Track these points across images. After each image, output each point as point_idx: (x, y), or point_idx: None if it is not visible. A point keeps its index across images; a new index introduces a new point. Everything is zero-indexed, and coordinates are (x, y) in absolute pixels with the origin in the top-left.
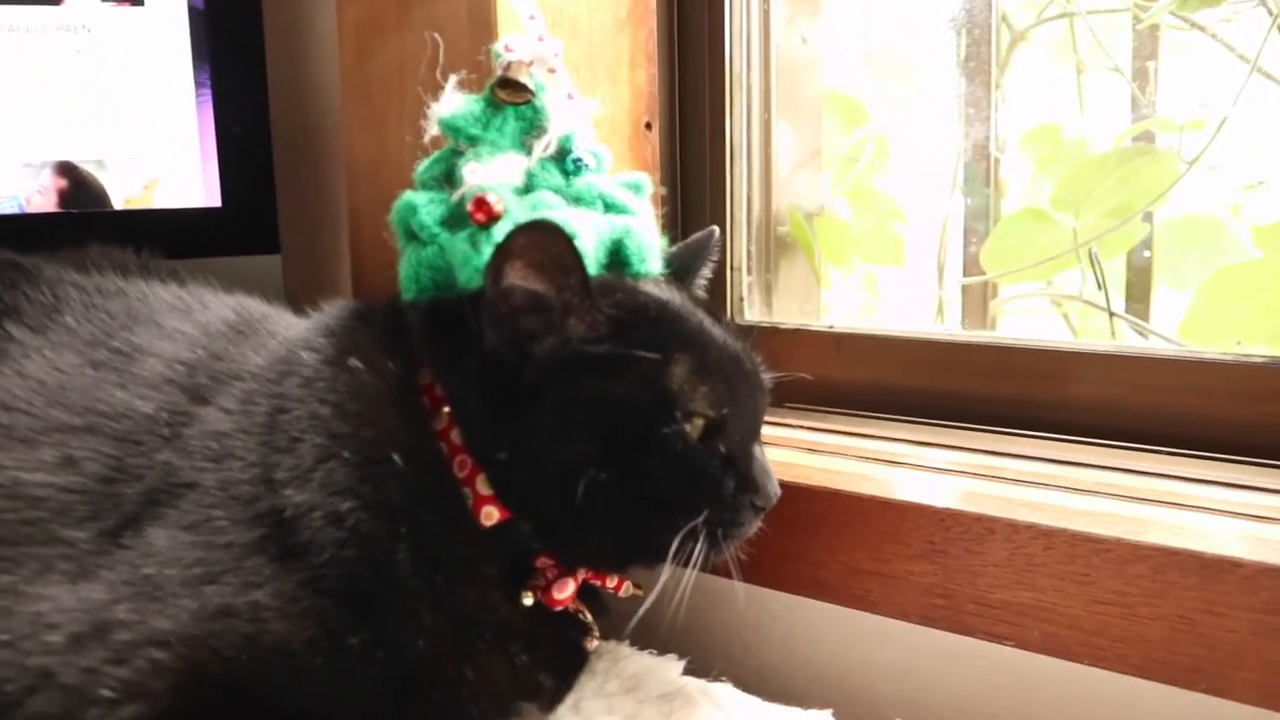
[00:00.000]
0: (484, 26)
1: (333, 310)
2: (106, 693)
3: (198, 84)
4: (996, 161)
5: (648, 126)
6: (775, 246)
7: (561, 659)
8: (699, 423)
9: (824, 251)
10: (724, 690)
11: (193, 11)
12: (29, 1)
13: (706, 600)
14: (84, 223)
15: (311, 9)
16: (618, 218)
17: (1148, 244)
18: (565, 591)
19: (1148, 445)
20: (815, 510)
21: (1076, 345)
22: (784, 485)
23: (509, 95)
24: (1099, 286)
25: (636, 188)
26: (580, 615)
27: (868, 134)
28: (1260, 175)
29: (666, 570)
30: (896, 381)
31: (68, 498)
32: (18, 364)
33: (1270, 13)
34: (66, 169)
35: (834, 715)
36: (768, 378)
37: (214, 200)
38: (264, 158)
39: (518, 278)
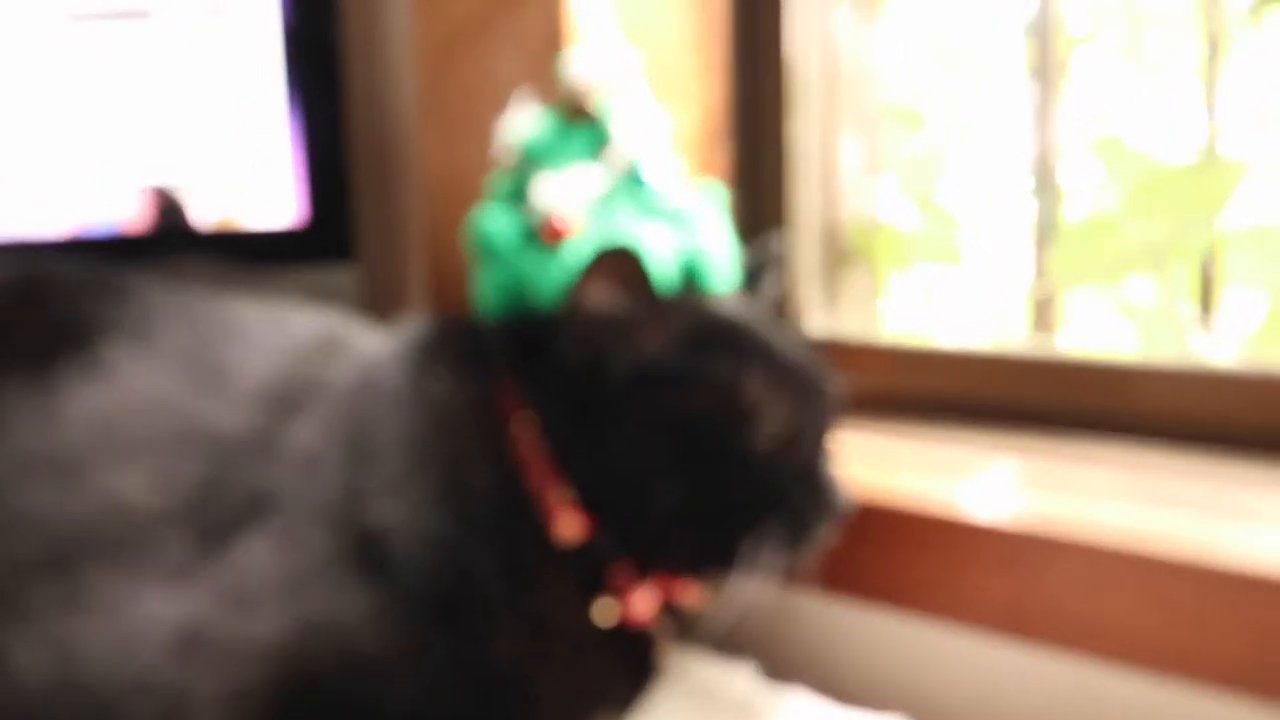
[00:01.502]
0: (558, 47)
1: (413, 328)
2: (204, 702)
3: (289, 112)
4: (1056, 170)
5: (719, 139)
6: (838, 256)
7: (634, 668)
8: (771, 435)
9: (887, 260)
10: (796, 696)
11: (286, 32)
12: (121, 16)
13: (778, 610)
14: (175, 242)
15: (388, 31)
16: (689, 234)
17: (1214, 253)
18: (645, 609)
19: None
20: (885, 523)
21: (1146, 361)
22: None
23: (577, 115)
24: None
25: (707, 200)
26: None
27: (927, 142)
28: None
29: (739, 578)
30: (960, 392)
31: (165, 511)
32: (113, 381)
33: None
34: (160, 191)
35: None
36: (837, 389)
37: (297, 216)
38: (342, 175)
39: (596, 299)
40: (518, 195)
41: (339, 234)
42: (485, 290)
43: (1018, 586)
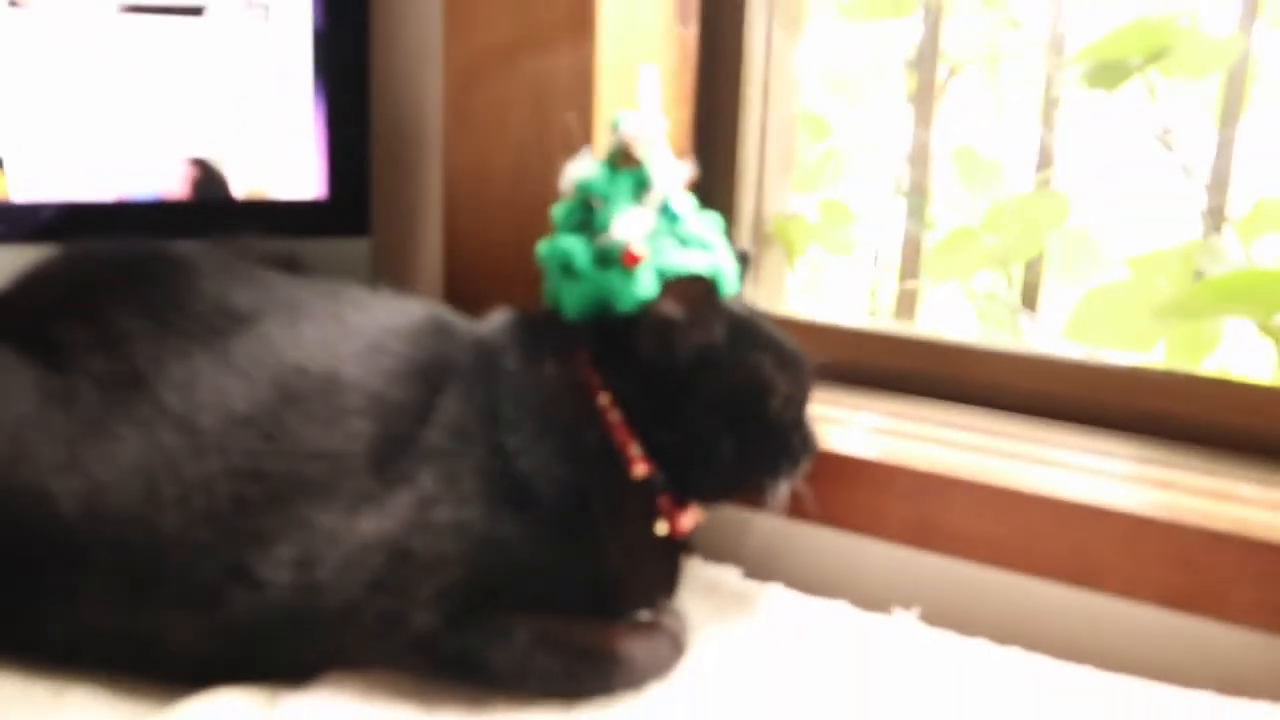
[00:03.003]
0: (584, 80)
1: (507, 318)
2: (414, 604)
3: (315, 93)
4: (927, 175)
5: (685, 149)
6: (760, 241)
7: (674, 568)
8: (780, 402)
9: (794, 247)
10: (776, 588)
11: (316, 33)
12: (174, 11)
13: (752, 529)
14: (211, 209)
15: (418, 44)
16: (709, 254)
17: (1040, 261)
18: (689, 522)
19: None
20: (832, 467)
21: (984, 342)
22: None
23: (624, 162)
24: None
25: (714, 225)
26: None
27: (829, 147)
28: (1131, 209)
29: (751, 503)
30: (840, 360)
31: (353, 458)
32: (283, 353)
33: (1152, 95)
34: (198, 162)
35: (850, 603)
36: (811, 363)
37: (320, 191)
38: (363, 156)
39: (669, 309)
40: (582, 225)
41: (358, 211)
42: (567, 300)
43: (916, 510)
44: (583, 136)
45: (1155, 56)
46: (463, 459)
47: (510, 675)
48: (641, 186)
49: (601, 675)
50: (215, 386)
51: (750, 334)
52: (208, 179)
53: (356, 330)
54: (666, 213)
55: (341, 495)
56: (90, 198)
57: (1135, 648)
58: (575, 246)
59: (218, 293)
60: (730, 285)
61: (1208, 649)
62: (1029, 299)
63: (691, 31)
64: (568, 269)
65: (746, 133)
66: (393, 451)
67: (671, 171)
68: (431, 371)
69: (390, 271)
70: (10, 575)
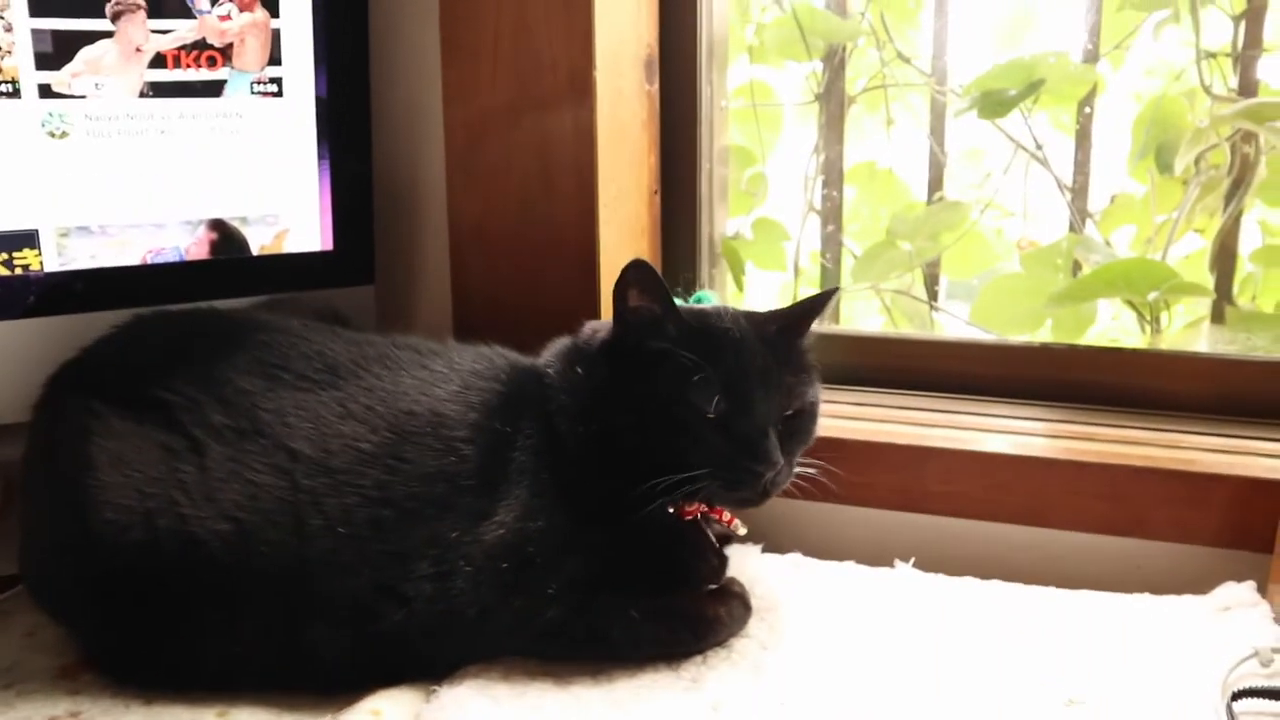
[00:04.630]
0: (586, 136)
1: (554, 349)
2: (544, 601)
3: (320, 156)
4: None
5: (655, 192)
6: (712, 260)
7: (719, 549)
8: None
9: (736, 265)
10: (795, 556)
11: (319, 101)
12: (197, 95)
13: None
14: (230, 267)
15: (413, 103)
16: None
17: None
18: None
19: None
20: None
21: (899, 333)
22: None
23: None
24: (925, 287)
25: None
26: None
27: (756, 173)
28: (1014, 210)
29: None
30: None
31: (469, 479)
32: (392, 398)
33: (1024, 115)
34: (217, 224)
35: (855, 561)
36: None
37: (328, 245)
38: (367, 212)
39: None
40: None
41: (363, 261)
42: None
43: (900, 479)
44: (586, 188)
45: (1031, 88)
46: (545, 474)
47: (629, 645)
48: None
49: (698, 635)
50: (339, 432)
51: (709, 336)
52: (226, 239)
53: (443, 375)
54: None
55: (461, 511)
56: (119, 262)
57: (1082, 569)
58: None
59: (314, 350)
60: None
61: (1137, 562)
62: (930, 294)
63: (655, 88)
64: None
65: (699, 167)
66: (495, 472)
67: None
68: (513, 402)
69: (395, 317)
70: (169, 617)
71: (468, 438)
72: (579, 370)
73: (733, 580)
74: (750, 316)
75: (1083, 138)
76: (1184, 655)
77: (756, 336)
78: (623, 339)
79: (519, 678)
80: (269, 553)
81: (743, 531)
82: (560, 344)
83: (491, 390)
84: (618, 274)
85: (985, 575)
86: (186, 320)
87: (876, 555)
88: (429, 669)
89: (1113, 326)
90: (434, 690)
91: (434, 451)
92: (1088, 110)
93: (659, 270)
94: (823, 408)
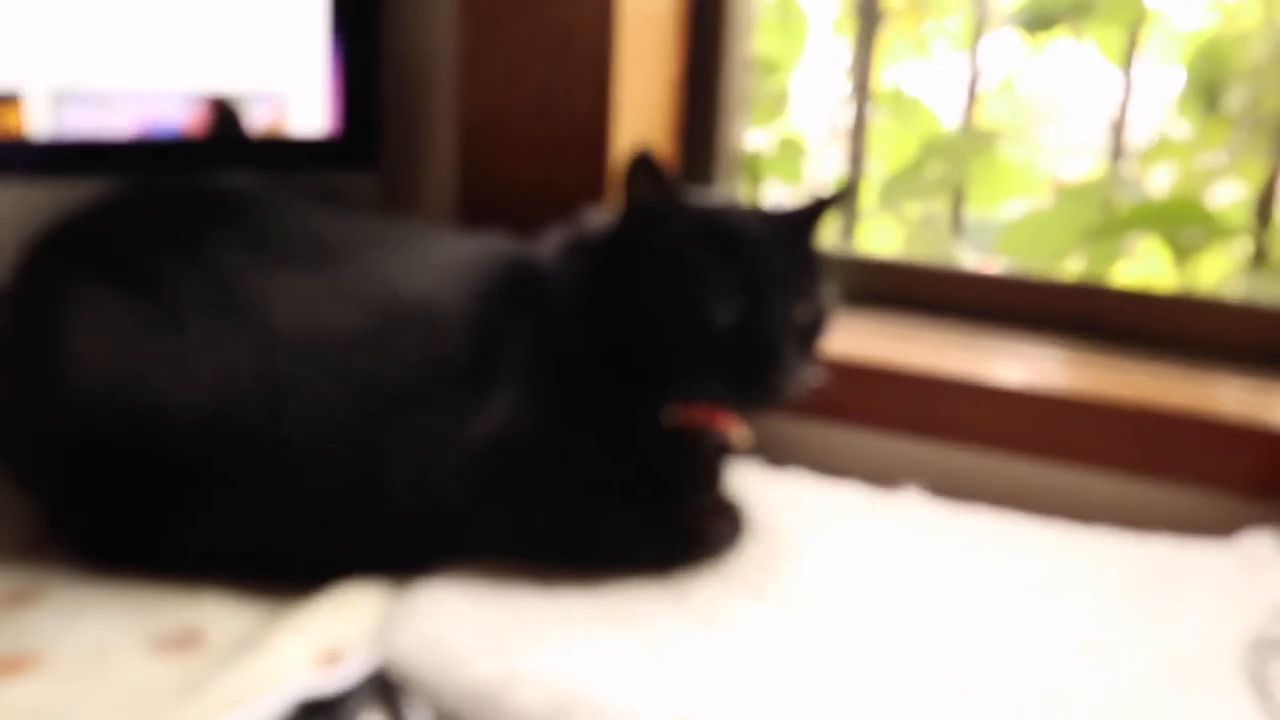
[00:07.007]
0: (604, 23)
1: (558, 238)
2: (534, 504)
3: (329, 31)
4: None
5: (677, 94)
6: (730, 170)
7: (717, 461)
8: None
9: (753, 176)
10: (799, 473)
11: None
12: None
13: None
14: (227, 145)
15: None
16: None
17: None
18: (699, 416)
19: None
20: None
21: (918, 260)
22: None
23: None
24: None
25: None
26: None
27: (781, 86)
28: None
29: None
30: None
31: (459, 370)
32: (385, 281)
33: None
34: (215, 99)
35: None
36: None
37: (332, 128)
38: (374, 96)
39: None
40: None
41: (367, 146)
42: None
43: (914, 405)
44: (605, 80)
45: (1080, 6)
46: (538, 371)
47: (617, 554)
48: None
49: (692, 548)
50: (326, 313)
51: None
52: (224, 117)
53: (440, 261)
54: None
55: (447, 404)
56: (108, 135)
57: (1099, 508)
58: None
59: (308, 227)
60: None
61: (1157, 504)
62: (955, 223)
63: None
64: None
65: (723, 72)
66: (484, 364)
67: None
68: (509, 294)
69: (399, 207)
70: (143, 491)
71: (458, 327)
72: (579, 263)
73: (730, 495)
74: (761, 213)
75: (1128, 69)
76: (1205, 603)
77: (769, 235)
78: (628, 232)
79: (501, 578)
80: (244, 435)
81: (745, 439)
82: (557, 233)
83: (488, 280)
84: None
85: (997, 507)
86: (174, 190)
87: (884, 480)
88: (409, 568)
89: (1144, 269)
90: (406, 583)
91: (422, 339)
92: (1134, 42)
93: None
94: (838, 328)
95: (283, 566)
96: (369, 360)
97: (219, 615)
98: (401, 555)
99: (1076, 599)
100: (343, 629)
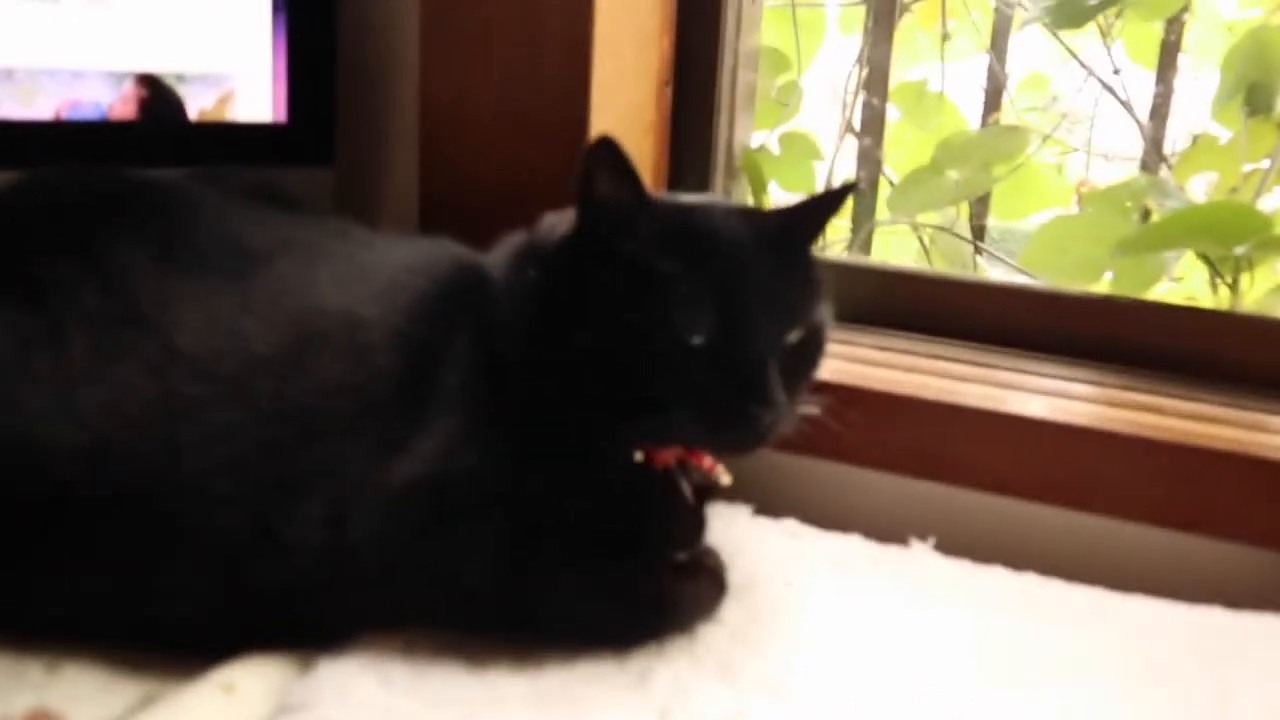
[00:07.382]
0: (580, 3)
1: (507, 246)
2: (461, 560)
3: (275, 9)
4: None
5: (666, 84)
6: (730, 172)
7: (695, 510)
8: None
9: (757, 179)
10: (791, 523)
11: None
12: None
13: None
14: (161, 131)
15: None
16: None
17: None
18: (669, 454)
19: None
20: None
21: (936, 272)
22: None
23: None
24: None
25: None
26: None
27: (789, 81)
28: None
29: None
30: None
31: (384, 395)
32: (303, 293)
33: (1102, 33)
34: (148, 79)
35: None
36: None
37: (280, 116)
38: (329, 81)
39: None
40: None
41: (322, 138)
42: None
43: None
44: (579, 64)
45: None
46: (479, 399)
47: (565, 627)
48: None
49: (658, 619)
50: (233, 329)
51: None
52: (158, 98)
53: (373, 269)
54: None
55: (369, 436)
56: (26, 115)
57: (1134, 568)
58: None
59: (225, 230)
60: None
61: (1202, 564)
62: (975, 232)
63: None
64: None
65: (720, 65)
66: (417, 390)
67: None
68: (449, 308)
69: (356, 204)
70: (2, 536)
71: (386, 345)
72: (529, 273)
73: (709, 551)
74: (747, 214)
75: (1166, 66)
76: (1262, 685)
77: (755, 240)
78: (586, 236)
79: (423, 655)
80: (129, 471)
81: (726, 480)
82: (513, 239)
83: (424, 291)
84: None
85: (1017, 564)
86: (79, 183)
87: (888, 529)
88: (314, 637)
89: (1179, 288)
90: (311, 663)
91: (342, 360)
92: (1173, 38)
93: (665, 180)
94: (838, 349)
95: (163, 636)
96: (279, 383)
97: (81, 698)
98: (305, 623)
99: (1109, 680)
100: None
